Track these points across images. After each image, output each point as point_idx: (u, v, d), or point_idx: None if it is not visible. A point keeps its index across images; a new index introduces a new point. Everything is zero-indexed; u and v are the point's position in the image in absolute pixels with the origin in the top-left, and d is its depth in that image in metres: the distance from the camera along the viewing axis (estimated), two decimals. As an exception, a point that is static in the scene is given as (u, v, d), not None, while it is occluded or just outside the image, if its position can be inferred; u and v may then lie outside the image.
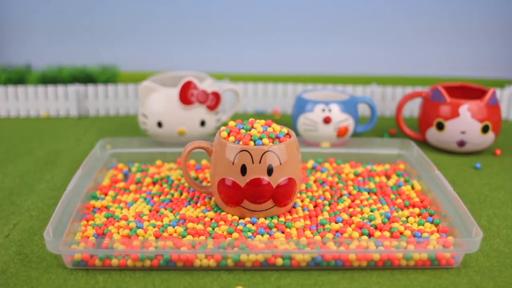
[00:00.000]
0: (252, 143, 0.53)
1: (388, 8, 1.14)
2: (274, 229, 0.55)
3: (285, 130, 0.56)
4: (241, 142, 0.53)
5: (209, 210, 0.59)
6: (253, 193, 0.53)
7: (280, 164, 0.53)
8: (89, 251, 0.49)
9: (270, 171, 0.52)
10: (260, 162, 0.52)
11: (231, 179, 0.53)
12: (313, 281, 0.49)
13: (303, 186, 0.65)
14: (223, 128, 0.56)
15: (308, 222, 0.57)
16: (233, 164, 0.52)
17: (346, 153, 0.72)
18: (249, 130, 0.55)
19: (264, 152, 0.52)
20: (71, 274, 0.49)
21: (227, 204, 0.55)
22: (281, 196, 0.54)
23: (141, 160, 0.72)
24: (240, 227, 0.55)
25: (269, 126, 0.56)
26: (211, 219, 0.57)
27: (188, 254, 0.49)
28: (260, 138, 0.53)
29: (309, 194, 0.63)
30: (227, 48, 1.09)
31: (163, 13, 1.10)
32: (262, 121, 0.57)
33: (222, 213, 0.58)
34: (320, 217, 0.57)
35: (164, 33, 1.11)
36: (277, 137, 0.54)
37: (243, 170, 0.52)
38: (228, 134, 0.55)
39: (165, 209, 0.59)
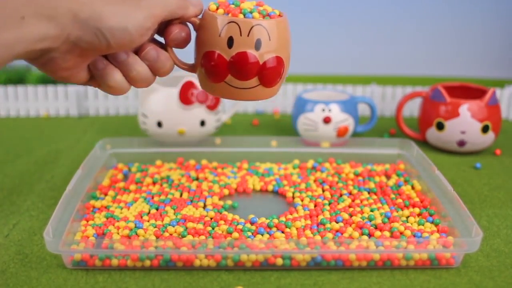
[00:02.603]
0: (241, 15, 0.50)
1: (388, 8, 1.14)
2: (274, 229, 0.55)
3: (277, 11, 0.53)
4: (230, 15, 0.50)
5: (209, 210, 0.59)
6: (238, 68, 0.49)
7: (269, 40, 0.50)
8: (89, 251, 0.49)
9: (258, 46, 0.49)
10: (248, 35, 0.49)
11: (216, 52, 0.49)
12: (313, 281, 0.49)
13: (303, 186, 0.65)
14: (212, 2, 0.52)
15: (308, 222, 0.57)
16: (219, 36, 0.49)
17: (346, 153, 0.72)
18: (239, 6, 0.51)
19: (254, 26, 0.49)
20: (71, 274, 0.49)
21: (210, 80, 0.51)
22: (268, 73, 0.50)
23: (141, 160, 0.72)
24: (240, 226, 0.55)
25: (261, 6, 0.52)
26: (211, 218, 0.57)
27: (188, 254, 0.49)
28: (251, 12, 0.50)
29: (309, 193, 0.63)
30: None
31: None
32: (254, 2, 0.53)
33: (222, 213, 0.58)
34: (320, 217, 0.57)
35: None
36: (268, 14, 0.51)
37: (230, 42, 0.49)
38: (217, 8, 0.51)
39: (169, 208, 0.59)
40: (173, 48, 0.49)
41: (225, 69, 0.49)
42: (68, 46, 0.41)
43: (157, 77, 0.49)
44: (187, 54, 0.53)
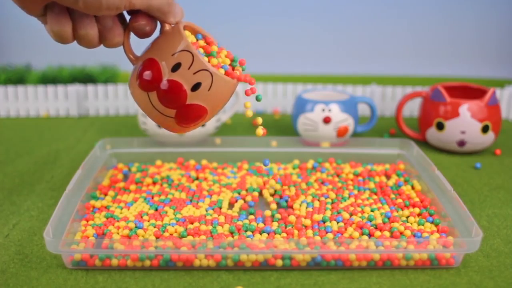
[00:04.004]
0: (205, 56, 0.49)
1: (389, 8, 1.14)
2: (275, 225, 0.55)
3: (237, 72, 0.51)
4: (196, 46, 0.49)
5: (210, 209, 0.59)
6: (165, 93, 0.48)
7: (208, 90, 0.49)
8: (89, 251, 0.49)
9: (195, 87, 0.48)
10: (194, 73, 0.48)
11: (160, 65, 0.48)
12: (313, 281, 0.49)
13: (304, 185, 0.65)
14: (192, 25, 0.51)
15: (308, 221, 0.57)
16: (172, 55, 0.48)
17: (346, 153, 0.72)
18: (212, 51, 0.51)
19: (204, 69, 0.48)
20: (71, 274, 0.49)
21: (138, 82, 0.50)
22: (186, 115, 0.50)
23: (141, 160, 0.72)
24: (240, 222, 0.55)
25: (232, 61, 0.52)
26: (212, 218, 0.57)
27: (188, 254, 0.49)
28: (213, 57, 0.50)
29: (310, 193, 0.63)
30: (227, 48, 1.09)
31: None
32: (224, 53, 0.52)
33: (223, 213, 0.58)
34: (321, 216, 0.57)
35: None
36: (222, 67, 0.50)
37: (176, 67, 0.48)
38: (197, 40, 0.51)
39: (168, 208, 0.59)
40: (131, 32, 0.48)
41: (155, 85, 0.48)
42: None
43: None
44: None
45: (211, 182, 0.66)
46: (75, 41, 0.47)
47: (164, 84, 0.48)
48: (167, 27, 0.49)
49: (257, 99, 0.51)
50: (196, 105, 0.49)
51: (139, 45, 0.50)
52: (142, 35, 0.48)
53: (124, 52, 0.50)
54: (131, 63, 0.50)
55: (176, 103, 0.49)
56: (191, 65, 0.48)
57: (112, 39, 0.47)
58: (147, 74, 0.48)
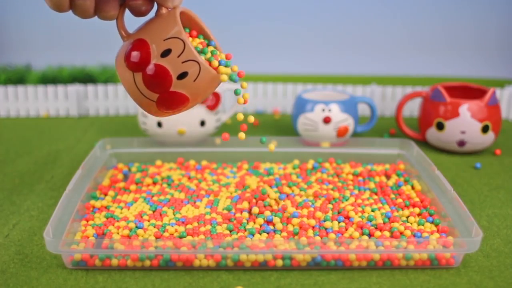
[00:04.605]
0: (197, 47, 0.49)
1: (388, 9, 1.14)
2: (272, 227, 0.55)
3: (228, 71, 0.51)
4: (189, 35, 0.49)
5: (209, 207, 0.59)
6: (151, 77, 0.48)
7: (194, 81, 0.49)
8: (89, 251, 0.49)
9: (181, 76, 0.48)
10: (182, 62, 0.48)
11: (150, 48, 0.48)
12: (313, 281, 0.49)
13: (303, 185, 0.65)
14: (189, 12, 0.51)
15: (310, 221, 0.57)
16: (164, 40, 0.48)
17: (346, 153, 0.72)
18: (210, 46, 0.51)
19: (193, 60, 0.48)
20: (71, 274, 0.49)
21: (125, 61, 0.50)
22: (168, 102, 0.50)
23: (141, 160, 0.72)
24: (239, 223, 0.55)
25: (227, 58, 0.52)
26: (211, 218, 0.57)
27: (188, 254, 0.49)
28: (202, 52, 0.50)
29: (310, 193, 0.63)
30: (227, 48, 1.09)
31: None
32: (229, 69, 0.51)
33: (223, 213, 0.58)
34: (322, 215, 0.57)
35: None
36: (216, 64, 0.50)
37: (166, 52, 0.48)
38: (190, 32, 0.50)
39: (168, 208, 0.59)
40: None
41: (142, 67, 0.48)
42: None
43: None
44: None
45: (210, 182, 0.66)
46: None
47: (150, 68, 0.48)
48: (164, 10, 0.48)
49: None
50: (179, 93, 0.49)
51: (134, 23, 0.50)
52: (137, 13, 0.48)
53: (116, 27, 0.49)
54: (121, 39, 0.50)
55: (160, 88, 0.48)
56: (181, 54, 0.47)
57: (107, 11, 0.47)
58: (135, 55, 0.48)
